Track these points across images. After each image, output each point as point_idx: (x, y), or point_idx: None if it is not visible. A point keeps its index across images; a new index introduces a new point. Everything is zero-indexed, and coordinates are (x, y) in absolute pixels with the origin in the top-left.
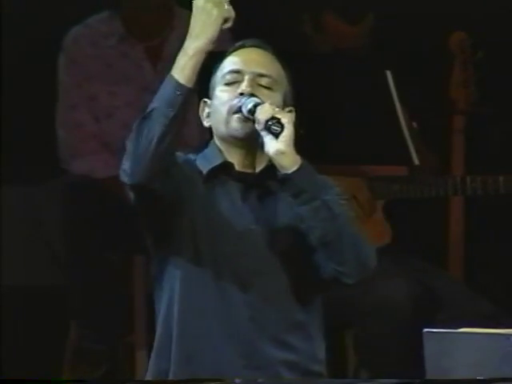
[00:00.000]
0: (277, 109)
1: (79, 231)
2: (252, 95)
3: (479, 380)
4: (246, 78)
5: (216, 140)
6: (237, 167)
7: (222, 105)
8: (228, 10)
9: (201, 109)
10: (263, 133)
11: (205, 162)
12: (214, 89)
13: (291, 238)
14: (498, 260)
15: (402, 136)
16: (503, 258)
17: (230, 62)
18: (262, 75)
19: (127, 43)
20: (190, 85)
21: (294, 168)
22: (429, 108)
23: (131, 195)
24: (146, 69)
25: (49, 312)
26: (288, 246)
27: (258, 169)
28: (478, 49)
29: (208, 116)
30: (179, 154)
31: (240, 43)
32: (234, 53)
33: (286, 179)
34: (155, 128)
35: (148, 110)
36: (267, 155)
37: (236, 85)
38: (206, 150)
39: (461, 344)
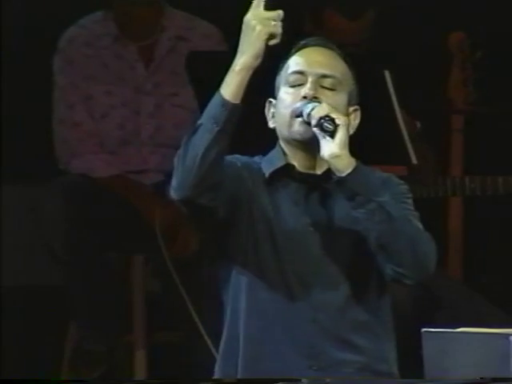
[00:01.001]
0: (330, 108)
1: (78, 231)
2: (315, 98)
3: (479, 380)
4: (309, 79)
5: (280, 142)
6: (299, 169)
7: (285, 108)
8: (274, 26)
9: (266, 109)
10: (317, 132)
11: (268, 165)
12: (278, 89)
13: (351, 240)
14: (496, 260)
15: (401, 135)
16: (502, 257)
17: (294, 63)
18: (325, 76)
19: (121, 44)
20: (235, 101)
21: (349, 170)
22: (427, 108)
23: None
24: (138, 69)
25: (48, 312)
26: (348, 247)
27: (320, 171)
28: (477, 49)
29: (273, 116)
30: (240, 157)
31: (304, 42)
32: (298, 53)
33: (341, 182)
34: (200, 144)
35: (195, 127)
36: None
37: (299, 87)
38: (271, 153)
39: (459, 344)
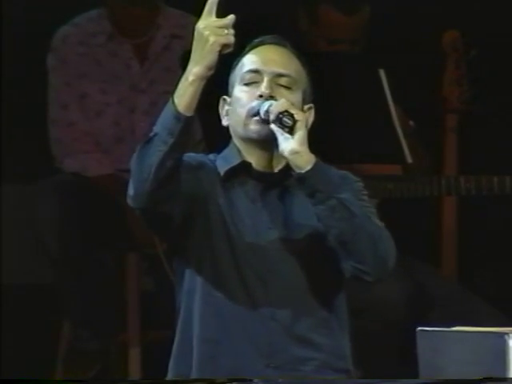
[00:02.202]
0: (289, 104)
1: (72, 230)
2: (271, 97)
3: (474, 380)
4: (265, 78)
5: (235, 140)
6: (255, 167)
7: (240, 106)
8: (227, 36)
9: (220, 106)
10: (275, 129)
11: (223, 163)
12: (232, 87)
13: (310, 237)
14: (491, 259)
15: (395, 134)
16: (496, 257)
17: (249, 61)
18: (281, 75)
19: (115, 42)
20: (189, 113)
21: (308, 167)
22: (422, 106)
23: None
24: (133, 68)
25: (41, 311)
26: (306, 244)
27: (277, 168)
28: (471, 47)
29: (227, 114)
30: (195, 156)
31: (259, 40)
32: (253, 51)
33: (301, 178)
34: (154, 154)
35: (150, 135)
36: (276, 153)
37: (255, 85)
38: (225, 151)
39: (454, 343)
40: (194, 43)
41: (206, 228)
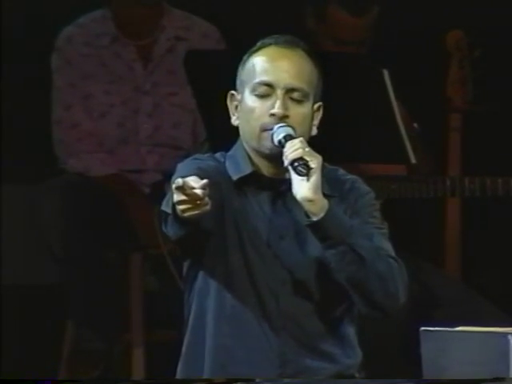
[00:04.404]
0: (307, 148)
1: (76, 230)
2: (284, 116)
3: (477, 380)
4: (278, 94)
5: (245, 145)
6: (266, 174)
7: (253, 119)
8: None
9: (228, 101)
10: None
11: (234, 168)
12: (242, 87)
13: (320, 246)
14: (494, 259)
15: (399, 134)
16: (500, 257)
17: (262, 69)
18: (293, 90)
19: (119, 43)
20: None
21: (321, 214)
22: (425, 106)
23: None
24: (136, 69)
25: (45, 311)
26: (317, 254)
27: (287, 175)
28: (475, 47)
29: (236, 112)
30: (205, 159)
31: (271, 40)
32: (265, 52)
33: (313, 225)
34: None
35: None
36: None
37: (268, 98)
38: (234, 152)
39: (458, 342)
40: None
41: (221, 232)
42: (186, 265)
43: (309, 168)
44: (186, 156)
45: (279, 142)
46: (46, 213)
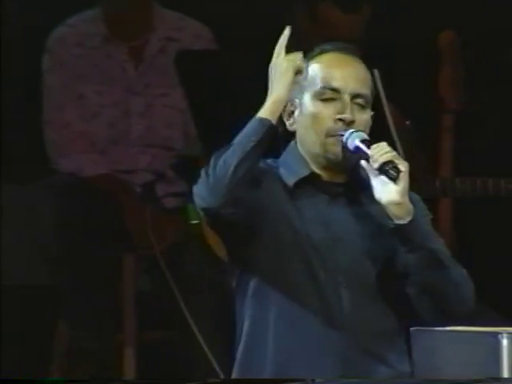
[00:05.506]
0: (394, 152)
1: (69, 230)
2: (352, 122)
3: (469, 381)
4: (346, 99)
5: (302, 151)
6: (324, 177)
7: (317, 124)
8: (299, 64)
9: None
10: (373, 173)
11: (290, 172)
12: (302, 93)
13: (381, 246)
14: (485, 259)
15: (390, 135)
16: (491, 258)
17: (327, 75)
18: (358, 95)
19: (111, 44)
20: (271, 119)
21: (409, 218)
22: (417, 107)
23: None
24: (128, 70)
25: (38, 311)
26: (379, 254)
27: (343, 179)
28: (467, 47)
29: (293, 118)
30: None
31: (329, 46)
32: (328, 61)
33: (399, 229)
34: (233, 158)
35: (228, 146)
36: (351, 168)
37: (332, 102)
38: (288, 158)
39: (448, 342)
40: (270, 77)
41: (276, 239)
42: (236, 273)
43: (399, 171)
44: (178, 156)
45: (356, 147)
46: (38, 214)
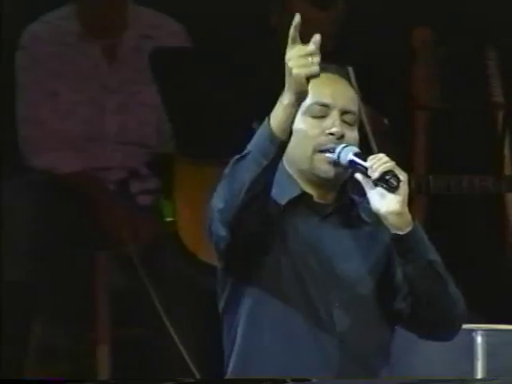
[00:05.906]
0: (393, 162)
1: (42, 228)
2: (341, 136)
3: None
4: (335, 114)
5: (289, 169)
6: (315, 197)
7: (307, 139)
8: (309, 68)
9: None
10: (370, 186)
11: (281, 192)
12: None
13: (375, 263)
14: (459, 257)
15: (364, 132)
16: (464, 256)
17: (317, 92)
18: (347, 112)
19: (85, 42)
20: (283, 137)
21: (409, 229)
22: (391, 105)
23: (218, 232)
24: (102, 68)
25: (11, 309)
26: (369, 272)
27: (332, 198)
28: (441, 45)
29: None
30: None
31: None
32: (318, 79)
33: (399, 239)
34: (247, 173)
35: (244, 152)
36: (340, 188)
37: (321, 119)
38: (278, 177)
39: (424, 340)
40: (286, 72)
41: (270, 258)
42: (226, 286)
43: (399, 181)
44: (152, 154)
45: (351, 161)
46: (12, 211)
